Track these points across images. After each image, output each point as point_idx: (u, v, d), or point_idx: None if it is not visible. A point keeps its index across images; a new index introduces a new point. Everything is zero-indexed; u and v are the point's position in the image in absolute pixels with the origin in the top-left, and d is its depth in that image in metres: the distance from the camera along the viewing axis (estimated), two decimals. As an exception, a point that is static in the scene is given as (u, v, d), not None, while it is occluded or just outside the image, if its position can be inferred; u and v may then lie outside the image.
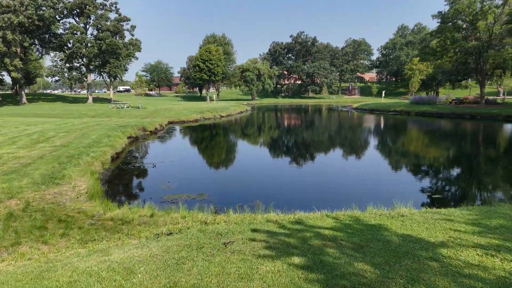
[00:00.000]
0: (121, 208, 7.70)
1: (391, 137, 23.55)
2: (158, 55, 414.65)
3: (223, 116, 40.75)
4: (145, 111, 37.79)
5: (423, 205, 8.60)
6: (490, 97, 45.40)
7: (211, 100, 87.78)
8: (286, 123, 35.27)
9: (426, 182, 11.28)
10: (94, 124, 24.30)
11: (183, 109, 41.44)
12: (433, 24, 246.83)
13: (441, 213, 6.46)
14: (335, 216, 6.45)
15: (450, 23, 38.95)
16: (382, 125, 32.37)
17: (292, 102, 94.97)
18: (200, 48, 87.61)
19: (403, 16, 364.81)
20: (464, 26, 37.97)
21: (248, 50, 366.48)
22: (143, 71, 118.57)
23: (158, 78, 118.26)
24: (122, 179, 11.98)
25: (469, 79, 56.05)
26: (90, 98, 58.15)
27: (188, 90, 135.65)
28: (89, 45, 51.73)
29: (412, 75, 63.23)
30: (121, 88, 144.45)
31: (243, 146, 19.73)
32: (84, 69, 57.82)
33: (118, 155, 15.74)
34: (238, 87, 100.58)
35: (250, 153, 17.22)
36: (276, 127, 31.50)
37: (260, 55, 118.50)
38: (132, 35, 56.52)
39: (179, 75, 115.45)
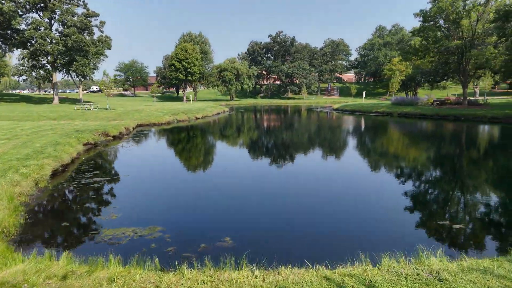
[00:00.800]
0: (26, 262, 5.28)
1: (383, 144, 21.77)
2: (133, 54, 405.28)
3: (199, 118, 38.25)
4: (113, 113, 34.81)
5: (452, 244, 6.53)
6: (472, 98, 44.81)
7: (188, 100, 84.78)
8: (265, 127, 33.15)
9: (441, 205, 9.29)
10: (48, 128, 21.37)
11: (156, 110, 38.65)
12: (410, 25, 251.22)
13: (493, 272, 4.39)
14: (339, 280, 4.29)
15: (432, 22, 37.88)
16: (367, 128, 30.76)
17: (271, 103, 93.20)
18: (176, 47, 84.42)
19: (380, 17, 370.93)
20: (447, 25, 36.93)
21: (226, 50, 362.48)
22: (117, 70, 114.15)
23: (133, 77, 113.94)
24: (55, 204, 9.43)
25: (448, 79, 55.69)
26: (56, 98, 54.20)
27: (164, 90, 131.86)
28: (53, 41, 47.96)
29: (392, 76, 62.48)
30: (94, 88, 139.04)
31: (216, 157, 17.38)
32: (49, 67, 53.83)
33: (65, 168, 13.12)
34: (216, 88, 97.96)
35: (223, 167, 14.90)
36: (255, 131, 29.28)
37: (238, 54, 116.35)
38: (101, 31, 53.07)
39: (155, 75, 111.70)
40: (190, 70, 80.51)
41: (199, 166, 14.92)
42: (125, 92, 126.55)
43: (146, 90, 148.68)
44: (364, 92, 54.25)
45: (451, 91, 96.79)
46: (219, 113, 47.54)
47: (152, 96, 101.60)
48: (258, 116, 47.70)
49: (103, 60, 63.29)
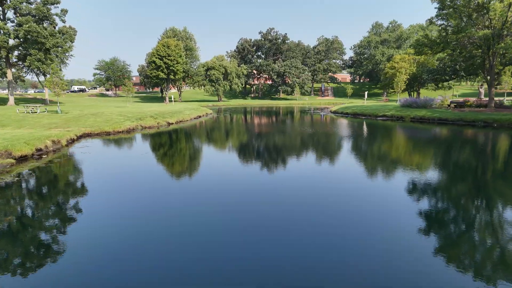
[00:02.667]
0: None
1: (410, 163, 15.31)
2: (117, 51, 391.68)
3: (172, 124, 31.40)
4: (62, 118, 27.77)
5: None
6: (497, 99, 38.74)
7: (172, 101, 77.71)
8: (253, 135, 26.47)
9: None
10: None
11: (120, 114, 31.68)
12: (407, 21, 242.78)
13: None
14: None
15: (452, 9, 31.57)
16: (379, 138, 24.32)
17: (262, 104, 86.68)
18: (158, 43, 77.27)
19: (376, 14, 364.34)
20: (469, 11, 30.62)
21: (213, 47, 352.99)
22: (97, 68, 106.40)
23: (114, 76, 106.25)
24: None
25: (465, 78, 49.78)
26: (11, 99, 46.75)
27: (149, 90, 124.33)
28: (1, 32, 40.60)
29: (396, 74, 56.35)
30: (75, 88, 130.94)
31: (175, 191, 10.68)
32: (4, 62, 46.38)
33: None
34: (202, 87, 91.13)
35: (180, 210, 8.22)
36: (237, 145, 22.59)
37: (227, 52, 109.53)
38: (63, 21, 45.75)
39: (138, 74, 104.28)
40: (173, 68, 73.49)
41: (132, 215, 8.12)
42: (107, 92, 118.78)
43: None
44: (366, 93, 47.92)
45: (450, 91, 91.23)
46: (199, 117, 40.73)
47: (135, 96, 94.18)
48: (245, 121, 41.04)
49: (71, 56, 55.94)
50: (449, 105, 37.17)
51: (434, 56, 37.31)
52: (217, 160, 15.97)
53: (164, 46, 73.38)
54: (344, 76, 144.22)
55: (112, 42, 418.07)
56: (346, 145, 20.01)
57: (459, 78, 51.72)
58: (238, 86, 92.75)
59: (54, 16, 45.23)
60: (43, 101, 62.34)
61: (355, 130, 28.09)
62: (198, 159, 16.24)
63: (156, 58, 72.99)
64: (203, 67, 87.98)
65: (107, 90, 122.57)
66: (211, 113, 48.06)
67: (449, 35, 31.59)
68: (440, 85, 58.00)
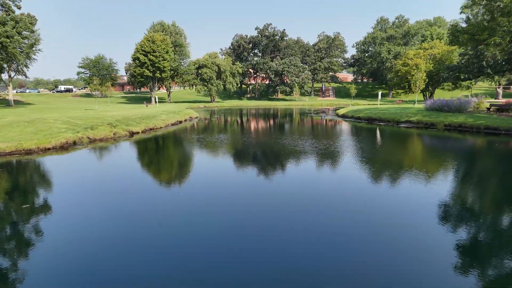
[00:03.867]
0: None
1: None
2: (102, 49, 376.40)
3: (136, 133, 24.03)
4: (-18, 127, 20.35)
5: None
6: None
7: (161, 102, 70.26)
8: (241, 150, 19.19)
9: None
10: None
11: (66, 121, 24.16)
12: (415, 17, 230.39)
13: None
14: None
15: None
16: (422, 158, 17.09)
17: (258, 105, 79.41)
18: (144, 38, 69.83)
19: (379, 10, 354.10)
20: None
21: (206, 45, 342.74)
22: (80, 67, 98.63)
23: (100, 75, 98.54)
24: None
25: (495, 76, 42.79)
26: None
27: (138, 89, 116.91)
28: None
29: (410, 72, 49.16)
30: (62, 87, 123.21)
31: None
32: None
33: None
34: (193, 87, 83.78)
35: None
36: (212, 173, 15.25)
37: (221, 49, 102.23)
38: (18, 7, 38.33)
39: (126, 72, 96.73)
40: (159, 65, 66.11)
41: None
42: (94, 93, 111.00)
43: (122, 90, 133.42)
44: (380, 93, 40.69)
45: (467, 91, 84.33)
46: (179, 122, 33.32)
47: (124, 97, 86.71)
48: (235, 126, 33.75)
49: (39, 51, 48.56)
50: (488, 109, 29.98)
51: (485, 46, 29.83)
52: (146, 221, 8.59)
53: (149, 41, 65.99)
54: (344, 75, 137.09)
55: (99, 38, 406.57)
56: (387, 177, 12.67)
57: (484, 76, 44.62)
58: (232, 86, 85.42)
59: (9, 2, 37.78)
60: (7, 102, 54.87)
61: (385, 145, 20.75)
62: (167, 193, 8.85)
63: (140, 54, 65.60)
64: (194, 65, 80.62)
65: (95, 90, 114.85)
66: (196, 117, 40.71)
67: (498, 18, 24.38)
68: (458, 84, 50.93)
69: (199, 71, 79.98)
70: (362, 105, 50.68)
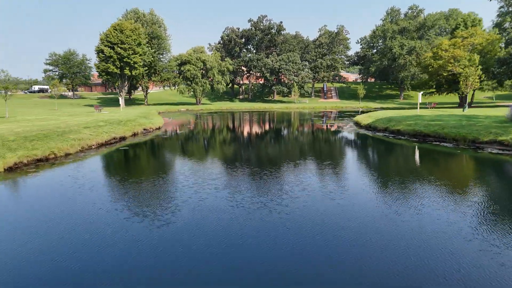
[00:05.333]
0: None
1: None
2: (73, 44, 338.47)
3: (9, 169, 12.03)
4: None
5: None
6: None
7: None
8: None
9: None
10: None
11: None
12: (428, 9, 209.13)
13: None
14: None
15: None
16: None
17: (251, 108, 67.57)
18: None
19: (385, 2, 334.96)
20: None
21: (194, 40, 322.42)
22: (48, 63, 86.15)
23: (70, 73, 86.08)
24: None
25: None
26: None
27: (115, 90, 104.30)
28: None
29: (448, 66, 37.50)
30: (35, 87, 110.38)
31: None
32: None
33: None
34: (175, 87, 71.72)
35: None
36: None
37: (209, 44, 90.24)
38: None
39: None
40: (129, 60, 53.95)
41: None
42: (66, 94, 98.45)
43: (106, 90, 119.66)
44: (420, 94, 29.05)
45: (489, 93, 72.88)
46: (120, 139, 21.17)
47: (99, 99, 74.38)
48: (209, 143, 21.87)
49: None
50: None
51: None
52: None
53: (116, 30, 53.81)
54: (345, 75, 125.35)
55: (69, 32, 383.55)
56: None
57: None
58: (221, 86, 73.35)
59: None
60: None
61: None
62: None
63: (104, 46, 53.37)
64: (175, 61, 68.52)
65: (70, 90, 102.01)
66: (159, 128, 28.61)
67: None
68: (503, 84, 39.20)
69: (182, 68, 67.89)
70: (388, 111, 38.87)
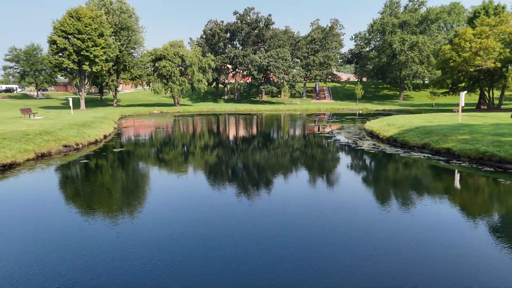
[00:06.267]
0: None
1: None
2: (36, 38, 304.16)
3: None
4: None
5: None
6: None
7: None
8: None
9: None
10: None
11: None
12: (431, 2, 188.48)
13: None
14: None
15: None
16: None
17: (236, 110, 59.42)
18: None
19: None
20: None
21: (173, 34, 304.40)
22: (8, 59, 76.45)
23: (33, 70, 76.49)
24: None
25: None
26: None
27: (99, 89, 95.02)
28: None
29: (477, 60, 29.95)
30: (3, 87, 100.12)
31: None
32: None
33: None
34: (149, 86, 63.22)
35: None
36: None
37: (190, 39, 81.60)
38: None
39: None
40: (88, 53, 45.20)
41: None
42: (30, 93, 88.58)
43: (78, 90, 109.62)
44: (463, 94, 21.56)
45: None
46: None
47: (66, 99, 65.23)
48: (158, 165, 13.58)
49: None
50: None
51: None
52: None
53: (72, 17, 44.99)
54: (338, 74, 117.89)
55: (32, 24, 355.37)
56: None
57: None
58: (203, 85, 64.93)
59: None
60: None
61: None
62: None
63: (58, 36, 44.52)
64: (149, 57, 59.89)
65: (42, 89, 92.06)
66: (97, 140, 20.17)
67: None
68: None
69: (156, 65, 59.29)
70: (407, 116, 31.14)
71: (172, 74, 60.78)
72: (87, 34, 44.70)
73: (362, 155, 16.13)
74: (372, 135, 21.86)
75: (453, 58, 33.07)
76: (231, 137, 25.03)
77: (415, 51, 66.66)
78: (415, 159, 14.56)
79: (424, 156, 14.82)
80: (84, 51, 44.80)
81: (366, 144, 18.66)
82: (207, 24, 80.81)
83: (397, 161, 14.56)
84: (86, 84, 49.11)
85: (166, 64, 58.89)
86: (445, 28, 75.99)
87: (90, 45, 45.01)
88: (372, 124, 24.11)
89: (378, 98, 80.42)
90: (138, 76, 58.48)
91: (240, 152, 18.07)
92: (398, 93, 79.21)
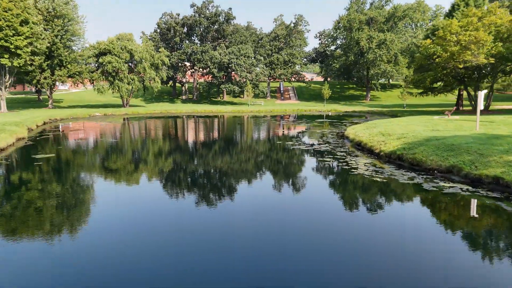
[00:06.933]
0: None
1: None
2: None
3: None
4: None
5: None
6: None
7: (46, 106, 40.76)
8: None
9: None
10: None
11: None
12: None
13: None
14: None
15: None
16: None
17: (193, 111, 53.14)
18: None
19: None
20: None
21: (124, 28, 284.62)
22: None
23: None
24: None
25: None
26: None
27: (36, 87, 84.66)
28: None
29: (466, 55, 25.92)
30: None
31: None
32: None
33: None
34: (93, 83, 55.33)
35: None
36: None
37: (142, 33, 73.73)
38: None
39: None
40: (7, 44, 36.95)
41: None
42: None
43: (23, 88, 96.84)
44: (482, 93, 17.63)
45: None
46: None
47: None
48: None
49: None
50: None
51: None
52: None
53: (-15, -1, 36.48)
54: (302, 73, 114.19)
55: None
56: None
57: None
58: (156, 83, 57.86)
59: None
60: None
61: None
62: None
63: (-34, 22, 35.88)
64: (91, 51, 51.99)
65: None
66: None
67: None
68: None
69: (100, 60, 51.46)
70: (400, 120, 26.54)
71: (119, 71, 53.20)
72: (6, 21, 36.46)
73: (370, 188, 10.71)
74: (361, 148, 16.70)
75: (438, 53, 29.09)
76: (166, 152, 19.00)
77: (383, 50, 63.61)
78: (453, 194, 9.36)
79: (463, 190, 9.64)
80: (3, 41, 36.52)
81: (362, 164, 13.35)
82: (161, 17, 73.45)
83: (446, 203, 9.26)
84: (7, 82, 40.51)
85: (112, 59, 51.25)
86: (411, 26, 73.95)
87: (11, 34, 36.79)
88: (358, 132, 18.99)
89: (344, 99, 77.08)
90: (77, 73, 50.28)
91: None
92: (364, 93, 76.33)
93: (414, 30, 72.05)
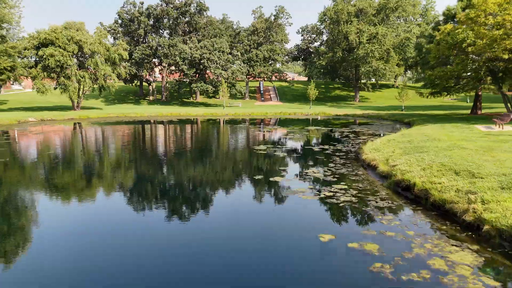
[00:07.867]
0: None
1: None
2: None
3: None
4: None
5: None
6: None
7: None
8: None
9: None
10: None
11: None
12: None
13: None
14: None
15: None
16: None
17: (158, 114, 44.44)
18: None
19: None
20: None
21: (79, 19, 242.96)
22: None
23: None
24: None
25: None
26: None
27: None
28: None
29: (507, 42, 18.72)
30: None
31: None
32: None
33: None
34: (35, 81, 45.64)
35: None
36: None
37: (101, 24, 64.09)
38: None
39: None
40: None
41: None
42: None
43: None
44: None
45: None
46: None
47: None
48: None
49: None
50: None
51: None
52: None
53: None
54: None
55: None
56: None
57: None
58: (112, 81, 48.67)
59: None
60: None
61: None
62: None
63: None
64: (29, 41, 42.44)
65: None
66: None
67: None
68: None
69: (40, 53, 41.89)
70: (438, 131, 18.89)
71: (66, 67, 43.79)
72: None
73: None
74: (411, 193, 8.72)
75: (469, 41, 21.74)
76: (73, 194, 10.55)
77: (375, 45, 56.59)
78: None
79: None
80: None
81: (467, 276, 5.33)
82: (123, 6, 63.92)
83: None
84: None
85: (55, 52, 41.84)
86: (403, 20, 67.38)
87: None
88: (396, 161, 11.00)
89: (331, 100, 69.86)
90: (8, 69, 40.56)
91: None
92: (351, 93, 69.38)
93: (408, 24, 65.43)
